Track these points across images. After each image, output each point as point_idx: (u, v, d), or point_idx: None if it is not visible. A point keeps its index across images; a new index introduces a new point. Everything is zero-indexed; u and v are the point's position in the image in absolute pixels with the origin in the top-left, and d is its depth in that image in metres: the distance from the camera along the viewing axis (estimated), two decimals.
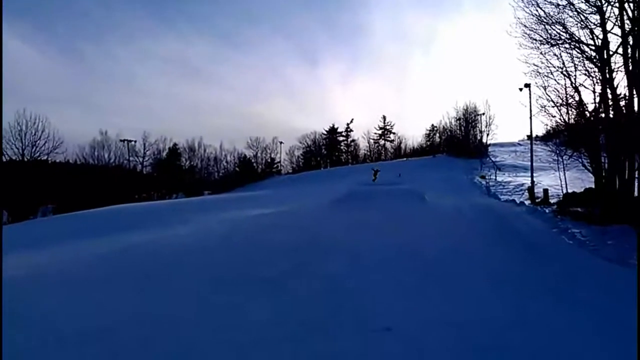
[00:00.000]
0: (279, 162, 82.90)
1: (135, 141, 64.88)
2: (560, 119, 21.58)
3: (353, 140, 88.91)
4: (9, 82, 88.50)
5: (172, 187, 68.13)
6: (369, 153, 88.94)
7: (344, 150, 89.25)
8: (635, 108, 17.50)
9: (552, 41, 19.88)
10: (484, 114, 68.22)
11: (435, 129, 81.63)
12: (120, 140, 63.09)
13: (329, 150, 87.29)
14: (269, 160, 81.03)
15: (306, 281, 11.94)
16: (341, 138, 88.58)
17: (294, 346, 7.62)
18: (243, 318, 9.19)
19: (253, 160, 79.19)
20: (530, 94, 29.62)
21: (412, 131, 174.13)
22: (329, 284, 11.45)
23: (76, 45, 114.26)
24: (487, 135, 68.44)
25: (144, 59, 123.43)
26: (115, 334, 8.40)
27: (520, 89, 32.38)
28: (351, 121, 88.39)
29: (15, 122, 50.00)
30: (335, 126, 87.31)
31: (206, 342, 8.03)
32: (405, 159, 75.73)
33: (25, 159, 50.66)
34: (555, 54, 20.20)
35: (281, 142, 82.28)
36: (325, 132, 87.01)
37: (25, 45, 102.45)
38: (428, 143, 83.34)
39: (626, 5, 17.43)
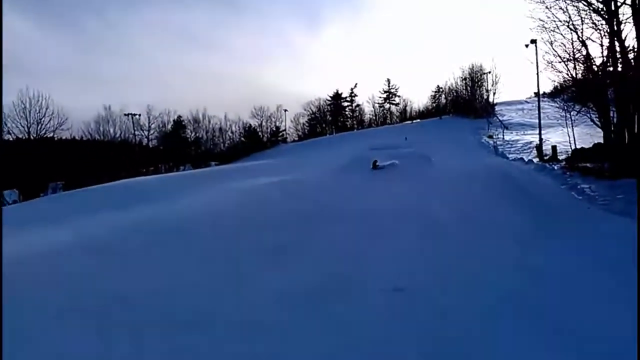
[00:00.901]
0: (284, 130, 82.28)
1: (139, 115, 64.50)
2: (567, 75, 21.20)
3: (358, 105, 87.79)
4: (9, 58, 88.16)
5: (178, 159, 68.19)
6: (374, 117, 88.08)
7: (349, 115, 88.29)
8: None
9: None
10: (490, 72, 66.93)
11: (441, 90, 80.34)
12: (125, 115, 62.73)
13: (333, 116, 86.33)
14: (274, 128, 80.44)
15: (314, 248, 12.08)
16: (346, 103, 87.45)
17: (308, 308, 7.76)
18: (257, 285, 9.37)
19: (258, 130, 78.60)
20: (536, 50, 29.05)
21: (418, 93, 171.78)
22: (335, 252, 11.56)
23: (75, 16, 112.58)
24: (494, 94, 67.27)
25: (143, 28, 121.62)
26: (152, 297, 8.75)
27: (527, 45, 31.77)
28: (355, 86, 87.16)
29: (19, 100, 49.64)
30: (340, 91, 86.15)
31: (225, 306, 8.24)
32: (411, 122, 74.85)
33: (32, 137, 50.62)
34: (561, 8, 19.66)
35: (285, 110, 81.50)
36: (330, 98, 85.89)
37: (23, 19, 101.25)
38: (434, 105, 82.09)
39: None
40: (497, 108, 64.67)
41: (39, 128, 51.00)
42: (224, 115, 78.17)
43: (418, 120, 75.64)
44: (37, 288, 10.17)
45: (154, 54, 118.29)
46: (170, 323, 7.57)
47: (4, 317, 5.83)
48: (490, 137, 45.89)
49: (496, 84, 66.77)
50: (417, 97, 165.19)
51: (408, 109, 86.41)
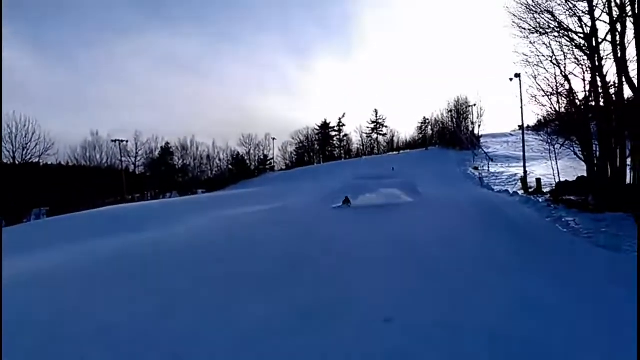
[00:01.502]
0: (272, 158, 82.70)
1: (127, 141, 64.41)
2: (551, 108, 21.67)
3: (346, 135, 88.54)
4: None
5: (165, 186, 67.79)
6: (362, 147, 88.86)
7: (336, 145, 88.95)
8: (625, 95, 17.58)
9: (541, 30, 19.93)
10: (475, 105, 68.18)
11: (427, 121, 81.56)
12: (112, 141, 62.56)
13: (321, 145, 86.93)
14: (262, 157, 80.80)
15: (303, 275, 11.95)
16: (334, 133, 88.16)
17: (290, 338, 7.62)
18: (241, 313, 9.20)
19: (246, 158, 78.88)
20: (520, 84, 29.84)
21: (405, 124, 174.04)
22: (323, 278, 11.44)
23: (64, 42, 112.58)
24: (479, 126, 68.42)
25: (133, 55, 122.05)
26: (120, 329, 8.49)
27: (511, 79, 32.55)
28: (343, 115, 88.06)
29: (5, 124, 49.23)
30: (328, 121, 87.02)
31: (207, 335, 8.05)
32: (398, 152, 75.66)
33: (17, 162, 50.01)
34: (544, 43, 20.26)
35: (274, 139, 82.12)
36: (318, 127, 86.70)
37: (11, 44, 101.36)
38: (420, 136, 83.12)
39: None
40: (482, 140, 65.59)
41: (24, 153, 50.43)
42: (212, 142, 78.53)
43: (405, 150, 76.27)
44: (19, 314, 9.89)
45: (144, 79, 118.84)
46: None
47: None
48: (476, 168, 46.36)
49: (481, 116, 68.13)
50: (404, 128, 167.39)
51: (395, 139, 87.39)
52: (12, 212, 46.79)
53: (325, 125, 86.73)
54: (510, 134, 71.93)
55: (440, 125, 75.12)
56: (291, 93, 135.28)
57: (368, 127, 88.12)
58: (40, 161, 53.46)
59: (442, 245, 14.05)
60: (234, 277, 12.24)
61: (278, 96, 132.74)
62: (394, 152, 76.43)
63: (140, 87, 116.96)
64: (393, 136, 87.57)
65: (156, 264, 15.09)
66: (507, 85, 74.27)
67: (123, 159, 63.72)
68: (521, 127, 42.77)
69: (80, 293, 12.25)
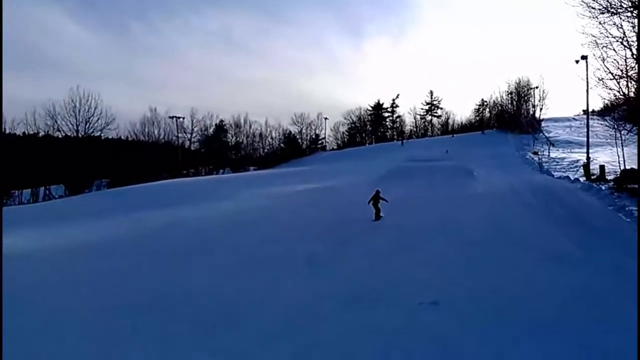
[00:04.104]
0: (324, 138, 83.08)
1: (183, 118, 66.24)
2: (619, 92, 20.28)
3: (399, 116, 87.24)
4: (59, 59, 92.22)
5: (218, 163, 69.62)
6: (415, 129, 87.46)
7: (389, 126, 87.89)
8: None
9: (612, 9, 18.56)
10: (537, 87, 65.20)
11: (485, 103, 78.90)
12: (169, 117, 64.60)
13: (374, 126, 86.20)
14: (313, 136, 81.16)
15: (351, 256, 11.97)
16: (386, 114, 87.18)
17: (336, 318, 7.64)
18: (286, 292, 9.33)
19: (298, 137, 79.48)
20: (587, 66, 28.14)
21: (461, 106, 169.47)
22: (372, 261, 11.39)
23: (123, 21, 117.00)
24: (541, 109, 65.46)
25: (188, 34, 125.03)
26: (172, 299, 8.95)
27: (577, 61, 30.76)
28: (397, 96, 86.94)
29: (70, 98, 51.88)
30: (381, 102, 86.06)
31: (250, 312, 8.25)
32: (452, 135, 73.69)
33: (80, 135, 52.59)
34: (615, 23, 18.86)
35: (326, 118, 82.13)
36: (371, 108, 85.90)
37: (74, 23, 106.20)
38: (477, 118, 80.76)
39: None
40: (543, 124, 62.79)
41: (87, 127, 53.20)
42: (264, 120, 79.35)
43: (461, 133, 74.17)
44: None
45: (198, 59, 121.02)
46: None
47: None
48: (536, 153, 44.56)
49: (543, 99, 64.95)
50: (460, 110, 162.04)
51: (450, 121, 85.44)
52: (75, 183, 49.37)
53: (378, 106, 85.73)
54: (574, 118, 68.36)
55: (499, 108, 72.53)
56: (344, 73, 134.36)
57: (422, 109, 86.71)
58: (102, 135, 56.15)
59: (496, 233, 13.73)
60: (283, 256, 12.43)
61: (330, 76, 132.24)
62: (449, 135, 74.40)
63: (195, 66, 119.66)
64: (448, 118, 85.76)
65: (214, 237, 15.61)
66: (572, 68, 70.03)
67: (179, 135, 65.62)
68: (586, 111, 40.66)
69: (134, 261, 12.86)
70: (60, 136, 52.98)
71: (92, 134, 54.08)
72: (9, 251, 13.62)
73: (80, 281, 11.23)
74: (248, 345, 6.93)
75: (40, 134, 53.65)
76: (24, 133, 54.01)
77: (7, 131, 53.01)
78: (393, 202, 17.80)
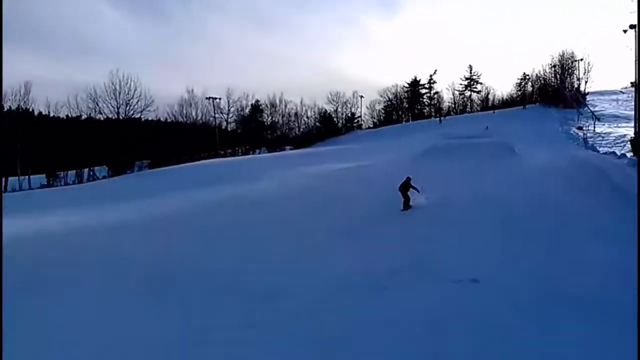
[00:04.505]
0: (360, 116, 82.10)
1: (219, 98, 66.73)
2: None
3: (436, 93, 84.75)
4: (99, 43, 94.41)
5: (254, 142, 70.25)
6: (453, 105, 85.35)
7: (426, 103, 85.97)
8: None
9: None
10: (582, 59, 62.35)
11: (527, 77, 76.03)
12: (206, 98, 65.20)
13: (411, 103, 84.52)
14: (349, 115, 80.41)
15: (390, 232, 11.96)
16: (424, 90, 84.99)
17: (374, 292, 7.67)
18: (325, 267, 9.43)
19: (333, 115, 78.87)
20: (636, 36, 26.66)
21: (501, 81, 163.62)
22: (410, 237, 11.33)
23: (158, 3, 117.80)
24: (586, 82, 62.69)
25: (223, 13, 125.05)
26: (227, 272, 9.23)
27: (625, 31, 29.26)
28: (434, 72, 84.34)
29: (110, 81, 53.36)
30: (418, 78, 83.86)
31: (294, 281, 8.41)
32: (493, 110, 71.52)
33: (121, 118, 54.07)
34: None
35: (361, 96, 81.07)
36: (407, 85, 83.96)
37: (111, 8, 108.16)
38: (519, 93, 77.96)
39: None
40: (588, 98, 60.26)
41: (127, 109, 54.70)
42: (300, 100, 78.95)
43: (501, 109, 71.98)
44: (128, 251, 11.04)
45: (233, 37, 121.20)
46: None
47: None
48: (580, 128, 42.94)
49: (588, 72, 62.11)
50: (501, 84, 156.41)
51: (490, 96, 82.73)
52: (117, 164, 50.94)
53: (415, 83, 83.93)
54: (621, 92, 65.21)
55: (542, 82, 69.83)
56: (380, 50, 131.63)
57: (461, 84, 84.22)
58: (142, 117, 57.53)
59: (538, 209, 13.42)
60: (323, 231, 12.53)
61: (366, 53, 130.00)
62: (489, 111, 72.30)
63: (230, 46, 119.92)
64: (488, 93, 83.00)
65: (255, 214, 15.90)
66: (620, 38, 66.78)
67: (216, 115, 66.36)
68: (634, 84, 38.70)
69: (178, 238, 13.25)
70: (102, 118, 54.84)
71: (132, 116, 55.65)
72: (65, 227, 14.53)
73: (134, 255, 11.74)
74: (287, 316, 7.08)
75: (83, 117, 55.52)
76: (67, 116, 56.23)
77: (52, 114, 55.19)
78: (432, 179, 17.60)
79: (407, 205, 15.81)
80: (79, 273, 10.50)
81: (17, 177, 45.98)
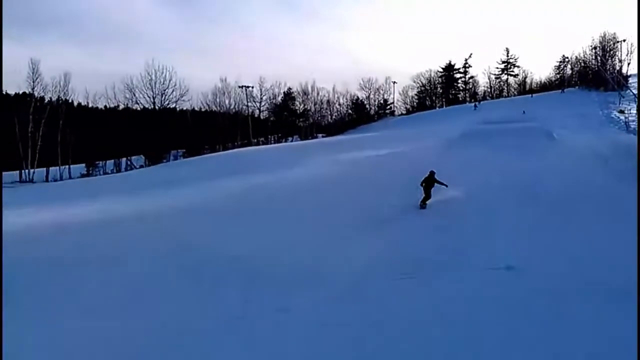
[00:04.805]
0: (392, 103, 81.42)
1: (252, 87, 67.33)
2: None
3: (472, 77, 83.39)
4: (136, 33, 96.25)
5: (287, 130, 70.75)
6: (489, 90, 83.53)
7: (461, 87, 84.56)
8: None
9: None
10: (624, 40, 59.99)
11: (567, 60, 73.80)
12: (239, 87, 65.88)
13: (445, 88, 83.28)
14: (381, 101, 79.83)
15: (422, 217, 11.98)
16: (458, 75, 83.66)
17: (406, 279, 7.77)
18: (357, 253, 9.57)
19: (366, 102, 78.57)
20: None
21: (539, 64, 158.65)
22: (444, 223, 11.33)
23: None
24: (628, 64, 60.32)
25: (254, 2, 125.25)
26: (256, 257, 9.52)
27: None
28: (469, 56, 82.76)
29: (146, 72, 54.64)
30: (452, 62, 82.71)
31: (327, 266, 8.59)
32: (531, 95, 69.63)
33: (156, 108, 55.20)
34: None
35: (394, 82, 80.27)
36: (441, 70, 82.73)
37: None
38: (558, 76, 75.68)
39: None
40: (631, 80, 57.91)
41: (163, 99, 55.88)
42: (332, 87, 78.79)
43: (539, 92, 69.99)
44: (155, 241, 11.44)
45: (265, 25, 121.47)
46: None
47: None
48: (622, 112, 41.50)
49: (631, 53, 59.60)
50: (539, 68, 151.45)
51: (528, 80, 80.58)
52: (153, 153, 52.19)
53: (449, 67, 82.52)
54: None
55: (582, 64, 67.55)
56: (412, 34, 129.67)
57: (497, 68, 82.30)
58: (177, 107, 58.57)
59: (576, 196, 13.20)
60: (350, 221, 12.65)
61: (398, 37, 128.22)
62: (527, 95, 70.43)
63: (262, 34, 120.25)
64: (525, 77, 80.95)
65: (292, 200, 16.15)
66: None
67: (249, 104, 66.95)
68: None
69: (214, 224, 13.61)
70: (138, 109, 56.13)
71: (168, 106, 56.77)
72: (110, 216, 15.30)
73: (175, 237, 12.24)
74: (322, 301, 7.27)
75: (120, 107, 57.00)
76: (105, 107, 57.77)
77: (90, 105, 56.86)
78: (466, 166, 17.41)
79: (424, 204, 14.42)
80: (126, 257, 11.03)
81: (57, 167, 47.70)
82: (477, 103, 64.63)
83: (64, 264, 10.57)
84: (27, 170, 45.55)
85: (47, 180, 44.45)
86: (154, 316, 7.58)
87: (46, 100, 49.86)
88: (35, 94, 49.00)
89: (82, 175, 47.73)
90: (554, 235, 9.78)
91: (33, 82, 48.46)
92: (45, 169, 46.18)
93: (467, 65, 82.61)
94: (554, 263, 8.12)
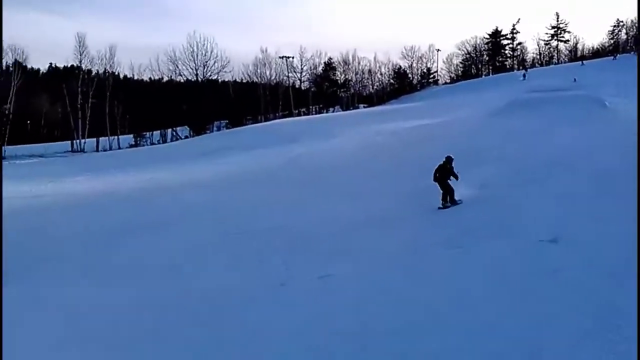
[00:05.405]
0: (436, 71, 79.60)
1: (292, 57, 67.24)
2: None
3: (520, 44, 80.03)
4: (177, 5, 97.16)
5: (328, 101, 70.45)
6: (538, 57, 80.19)
7: (508, 55, 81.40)
8: None
9: None
10: None
11: (621, 24, 69.75)
12: (279, 57, 65.88)
13: (491, 56, 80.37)
14: (424, 70, 78.05)
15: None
16: (506, 41, 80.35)
17: (446, 249, 7.82)
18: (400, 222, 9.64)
19: (408, 71, 77.09)
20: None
21: (592, 30, 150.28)
22: (488, 193, 11.21)
23: None
24: None
25: None
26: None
27: None
28: (517, 21, 79.24)
29: (188, 44, 55.40)
30: (499, 29, 79.36)
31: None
32: (582, 62, 66.45)
33: (199, 79, 55.98)
34: None
35: (438, 50, 78.12)
36: (488, 36, 79.61)
37: None
38: (612, 42, 71.80)
39: None
40: None
41: (205, 70, 56.69)
42: (373, 56, 77.48)
43: (591, 59, 66.68)
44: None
45: None
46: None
47: None
48: None
49: None
50: (591, 33, 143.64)
51: (579, 46, 76.80)
52: (197, 124, 53.32)
53: (496, 33, 79.42)
54: None
55: (638, 28, 63.68)
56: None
57: (547, 34, 78.73)
58: (219, 78, 59.30)
59: (629, 166, 12.60)
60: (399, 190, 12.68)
61: (442, 2, 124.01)
62: (577, 62, 67.23)
63: (302, 2, 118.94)
64: (577, 43, 77.20)
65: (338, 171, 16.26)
66: None
67: (289, 74, 66.97)
68: None
69: (255, 194, 14.01)
70: (181, 80, 57.18)
71: (210, 77, 57.52)
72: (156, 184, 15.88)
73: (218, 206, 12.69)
74: (362, 269, 7.46)
75: (164, 79, 58.22)
76: (150, 79, 59.21)
77: (135, 77, 58.38)
78: (512, 135, 16.93)
79: (446, 200, 11.68)
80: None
81: (107, 138, 49.57)
82: (525, 72, 62.01)
83: (114, 230, 11.17)
84: (78, 141, 47.60)
85: (97, 150, 46.44)
86: (198, 281, 7.98)
87: (93, 73, 51.62)
88: (83, 66, 50.84)
89: (131, 146, 49.62)
90: (605, 210, 9.38)
91: (80, 55, 50.28)
92: (95, 139, 48.18)
93: (514, 31, 79.31)
94: (604, 238, 7.89)
